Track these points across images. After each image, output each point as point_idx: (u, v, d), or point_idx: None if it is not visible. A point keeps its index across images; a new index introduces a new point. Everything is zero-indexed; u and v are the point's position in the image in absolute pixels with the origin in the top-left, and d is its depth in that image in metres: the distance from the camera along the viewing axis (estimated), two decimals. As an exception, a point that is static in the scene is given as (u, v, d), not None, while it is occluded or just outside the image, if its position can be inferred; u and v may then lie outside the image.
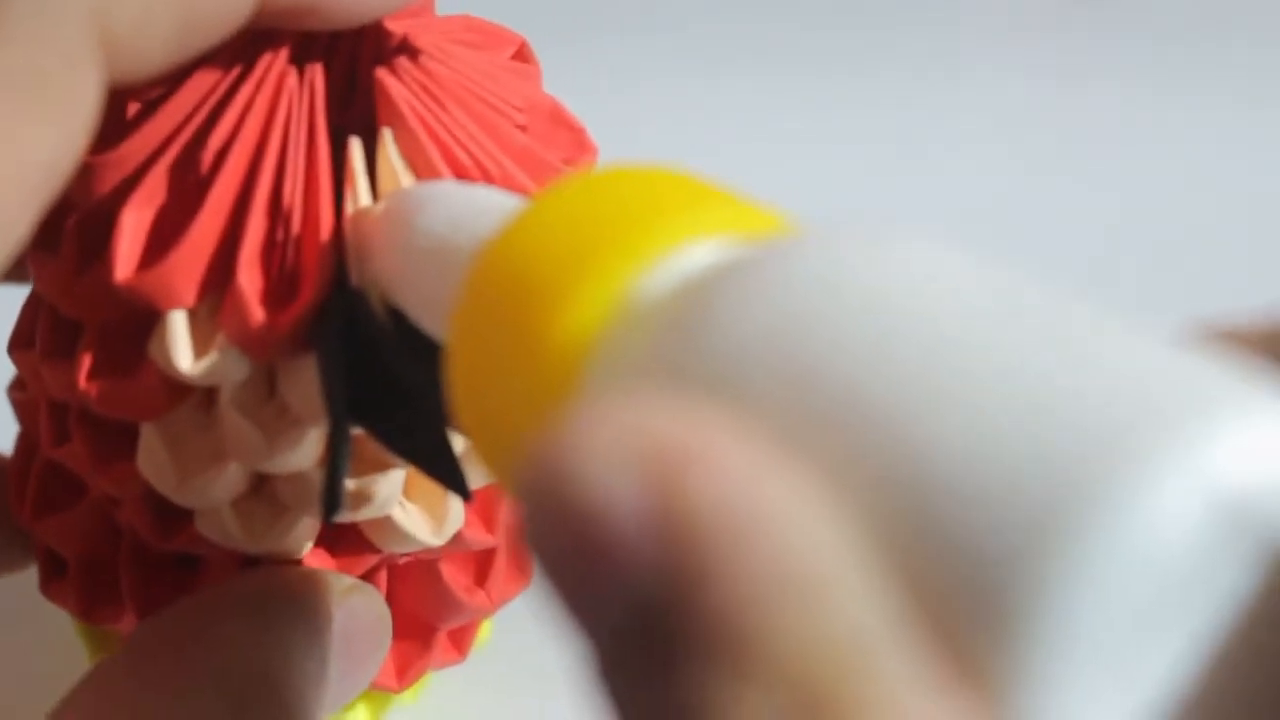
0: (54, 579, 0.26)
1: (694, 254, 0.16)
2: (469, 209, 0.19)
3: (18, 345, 0.24)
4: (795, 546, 0.12)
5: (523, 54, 0.25)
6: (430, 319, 0.20)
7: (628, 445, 0.13)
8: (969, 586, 0.12)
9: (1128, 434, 0.12)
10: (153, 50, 0.19)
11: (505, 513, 0.26)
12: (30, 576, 0.27)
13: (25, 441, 0.26)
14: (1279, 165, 0.50)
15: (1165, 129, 0.52)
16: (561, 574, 0.13)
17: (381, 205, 0.21)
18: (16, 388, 0.26)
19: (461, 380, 0.17)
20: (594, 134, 0.25)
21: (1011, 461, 0.12)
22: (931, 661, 0.12)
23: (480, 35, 0.24)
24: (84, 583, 0.26)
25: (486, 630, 0.30)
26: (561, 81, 0.26)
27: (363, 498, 0.23)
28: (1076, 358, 0.13)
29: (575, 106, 0.25)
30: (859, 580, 0.12)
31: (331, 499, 0.22)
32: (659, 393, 0.14)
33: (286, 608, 0.23)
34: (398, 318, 0.21)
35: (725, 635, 0.12)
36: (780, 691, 0.12)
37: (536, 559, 0.13)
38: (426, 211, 0.20)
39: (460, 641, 0.28)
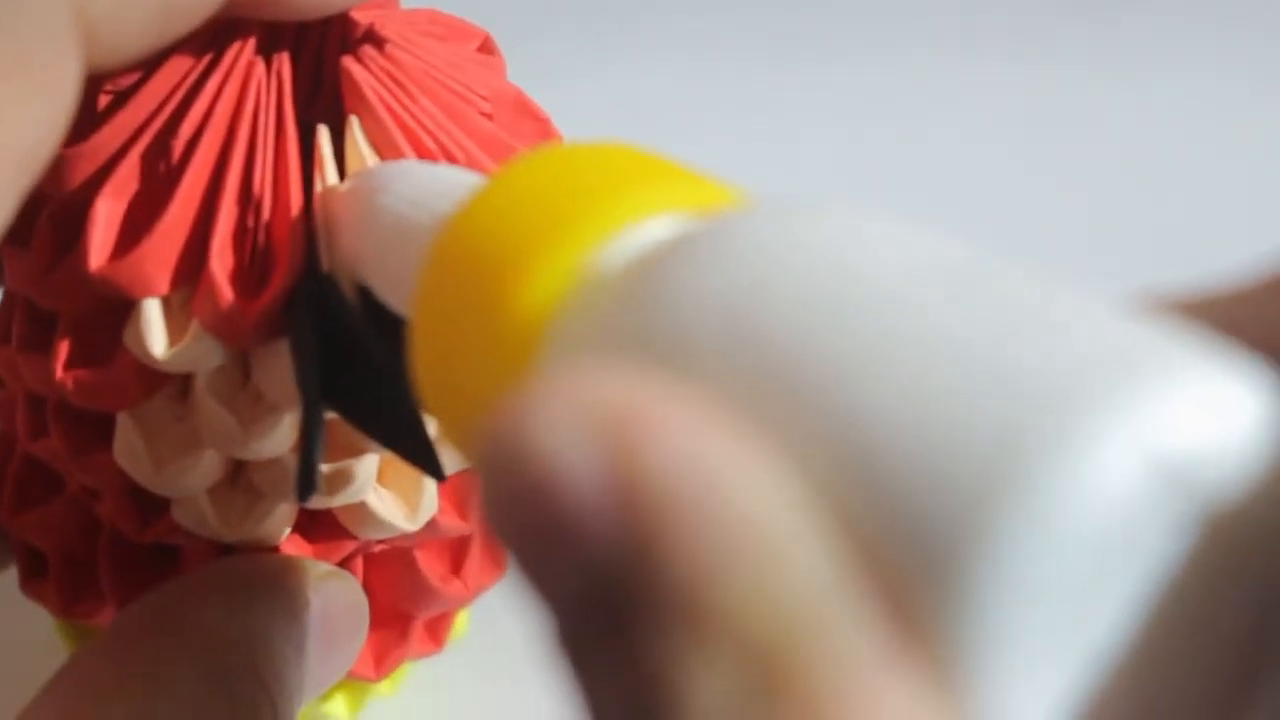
0: (33, 576, 0.27)
1: (652, 228, 0.16)
2: (430, 186, 0.20)
3: (-6, 342, 0.25)
4: (749, 513, 0.12)
5: (486, 47, 0.25)
6: (395, 296, 0.20)
7: (582, 415, 0.13)
8: (915, 548, 0.12)
9: (1068, 396, 0.12)
10: (129, 36, 0.19)
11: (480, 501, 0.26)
12: (9, 576, 0.28)
13: (2, 439, 0.26)
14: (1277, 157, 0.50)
15: (1165, 123, 0.52)
16: (521, 545, 0.13)
17: (347, 184, 0.21)
18: (-7, 386, 0.26)
19: (423, 355, 0.17)
20: (559, 126, 0.26)
21: (954, 425, 0.12)
22: (882, 623, 0.12)
23: (444, 28, 0.25)
24: (63, 578, 0.26)
25: (463, 621, 0.30)
26: (526, 77, 0.26)
27: (337, 482, 0.23)
28: (1019, 323, 0.13)
29: (539, 100, 0.25)
30: (811, 546, 0.12)
31: (306, 481, 0.22)
32: (614, 363, 0.14)
33: (264, 593, 0.23)
34: (369, 301, 0.21)
35: (682, 601, 0.12)
36: (736, 657, 0.12)
37: (495, 531, 0.13)
38: (390, 189, 0.20)
39: (437, 631, 0.28)
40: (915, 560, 0.12)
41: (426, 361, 0.17)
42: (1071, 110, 0.53)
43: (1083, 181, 0.50)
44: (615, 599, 0.13)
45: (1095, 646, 0.12)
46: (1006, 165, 0.50)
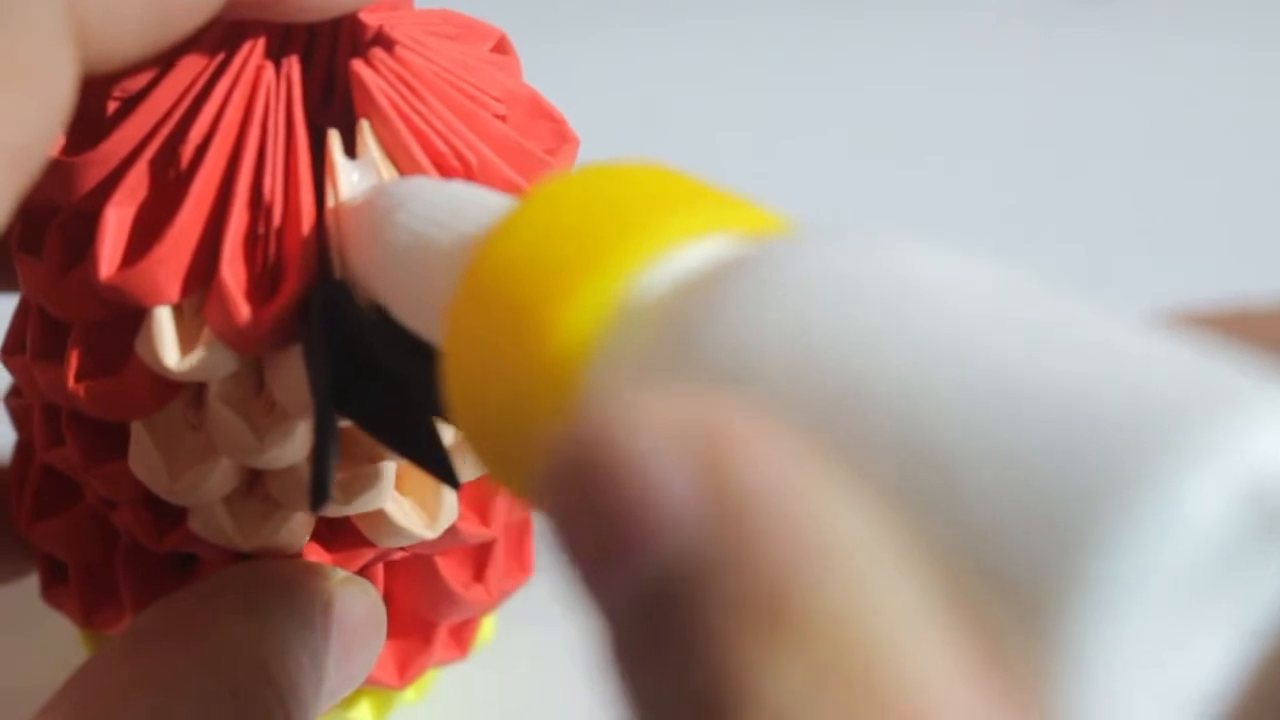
0: (54, 585, 0.27)
1: (690, 253, 0.16)
2: (449, 206, 0.19)
3: (10, 351, 0.24)
4: (836, 525, 0.13)
5: (501, 47, 0.25)
6: (413, 316, 0.20)
7: (676, 426, 0.13)
8: (1005, 578, 0.12)
9: (1163, 425, 0.12)
10: (126, 35, 0.19)
11: (503, 508, 0.26)
12: (32, 583, 0.28)
13: (21, 448, 0.26)
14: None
15: (1166, 124, 0.52)
16: (599, 534, 0.13)
17: (361, 200, 0.21)
18: (12, 395, 0.26)
19: (458, 380, 0.17)
20: (575, 126, 0.25)
21: (1044, 456, 0.12)
22: (965, 648, 0.12)
23: (458, 28, 0.24)
24: (83, 587, 0.26)
25: (489, 628, 0.30)
26: (542, 75, 0.26)
27: (353, 491, 0.23)
28: (1103, 352, 0.13)
29: (556, 100, 0.25)
30: (895, 562, 0.13)
31: (318, 490, 0.22)
32: (673, 387, 0.14)
33: (279, 599, 0.23)
34: (382, 308, 0.21)
35: (762, 599, 0.12)
36: (812, 657, 0.12)
37: (565, 530, 0.14)
38: (406, 208, 0.20)
39: (462, 638, 0.28)
40: (1005, 591, 0.12)
41: (461, 387, 0.17)
42: (1085, 89, 0.53)
43: (1084, 169, 0.50)
44: (693, 592, 0.13)
45: (1194, 684, 0.12)
46: (1011, 148, 0.50)
